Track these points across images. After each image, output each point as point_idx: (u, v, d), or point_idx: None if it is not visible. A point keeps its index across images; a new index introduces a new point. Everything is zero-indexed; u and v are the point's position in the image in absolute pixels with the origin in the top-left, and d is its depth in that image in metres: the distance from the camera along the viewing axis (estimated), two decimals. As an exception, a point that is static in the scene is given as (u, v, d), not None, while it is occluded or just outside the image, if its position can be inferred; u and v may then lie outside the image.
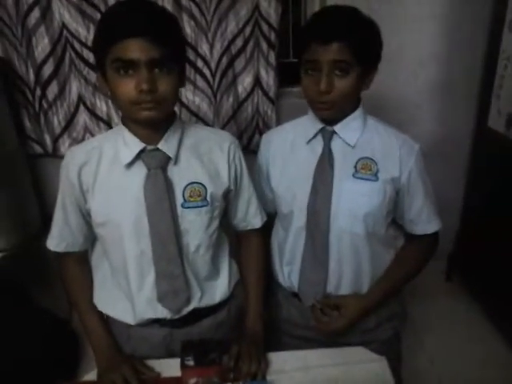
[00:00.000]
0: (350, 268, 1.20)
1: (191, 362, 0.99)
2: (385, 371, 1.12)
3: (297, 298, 1.27)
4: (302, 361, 1.14)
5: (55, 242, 1.15)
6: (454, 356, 1.94)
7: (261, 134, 2.08)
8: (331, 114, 1.12)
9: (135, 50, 0.91)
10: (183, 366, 0.99)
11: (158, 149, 1.05)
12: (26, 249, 1.96)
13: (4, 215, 1.90)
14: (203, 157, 1.11)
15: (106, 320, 1.19)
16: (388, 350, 1.22)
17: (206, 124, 2.05)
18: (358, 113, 1.16)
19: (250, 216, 1.22)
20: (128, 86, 0.94)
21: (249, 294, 1.23)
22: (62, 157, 1.12)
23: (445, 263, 2.38)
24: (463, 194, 2.33)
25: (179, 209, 1.07)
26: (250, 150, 2.09)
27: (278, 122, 2.07)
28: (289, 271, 1.26)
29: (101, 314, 1.19)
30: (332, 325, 1.21)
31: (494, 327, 2.05)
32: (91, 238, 1.18)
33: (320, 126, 1.17)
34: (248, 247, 1.27)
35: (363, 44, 1.04)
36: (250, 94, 2.03)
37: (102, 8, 1.85)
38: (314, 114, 1.17)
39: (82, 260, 1.20)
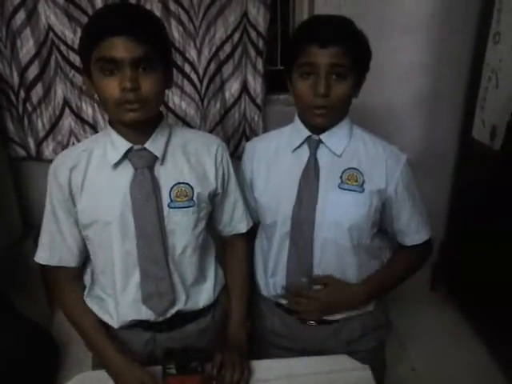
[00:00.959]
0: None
1: (173, 371, 0.97)
2: (368, 380, 1.11)
3: (281, 308, 1.26)
4: (285, 369, 1.13)
5: (47, 255, 1.10)
6: (436, 364, 1.94)
7: (247, 140, 2.07)
8: (325, 121, 1.11)
9: (118, 48, 0.92)
10: (165, 374, 0.97)
11: (145, 148, 1.05)
12: (6, 254, 1.92)
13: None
14: (191, 157, 1.11)
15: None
16: (373, 359, 1.22)
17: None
18: (344, 122, 1.16)
19: (235, 221, 1.22)
20: (112, 86, 0.94)
21: (232, 301, 1.22)
22: (45, 160, 1.11)
23: (429, 272, 2.39)
24: (448, 204, 2.35)
25: (166, 209, 1.07)
26: (236, 156, 2.08)
27: (265, 129, 2.07)
28: (273, 282, 1.25)
29: (108, 334, 1.11)
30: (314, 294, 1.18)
31: (478, 336, 2.06)
32: (84, 251, 1.14)
33: (306, 134, 1.16)
34: (233, 252, 1.26)
35: (359, 51, 1.05)
36: (237, 100, 2.02)
37: (89, 11, 1.84)
38: (302, 122, 1.17)
39: (78, 278, 1.16)
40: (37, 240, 1.12)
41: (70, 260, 1.12)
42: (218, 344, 1.15)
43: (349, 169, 1.14)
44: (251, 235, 1.29)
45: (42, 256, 1.11)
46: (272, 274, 1.25)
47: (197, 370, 0.99)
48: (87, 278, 1.17)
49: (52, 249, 1.10)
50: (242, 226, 1.23)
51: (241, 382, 1.05)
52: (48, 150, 2.06)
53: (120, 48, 0.91)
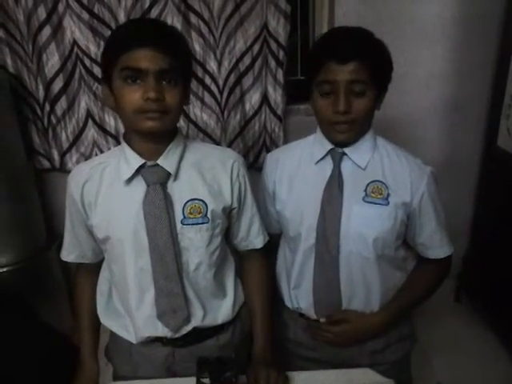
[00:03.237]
0: (360, 290, 1.18)
1: (207, 380, 0.96)
2: None
3: (303, 318, 1.25)
4: (308, 382, 1.11)
5: (65, 253, 1.17)
6: (462, 377, 1.90)
7: (268, 151, 2.07)
8: (347, 137, 1.10)
9: (145, 59, 0.93)
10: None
11: (157, 164, 1.05)
12: (32, 263, 1.96)
13: (11, 230, 1.91)
14: (205, 173, 1.10)
15: (101, 339, 1.22)
16: (397, 373, 1.19)
17: (213, 140, 2.05)
18: (368, 135, 1.15)
19: (251, 236, 1.20)
20: (135, 95, 0.95)
21: (255, 319, 1.20)
22: (68, 171, 1.13)
23: (454, 283, 2.34)
24: (472, 214, 2.31)
25: (179, 225, 1.06)
26: (256, 167, 2.08)
27: (286, 140, 2.06)
28: (296, 294, 1.24)
29: (97, 333, 1.22)
30: (335, 331, 1.19)
31: (503, 347, 2.01)
32: (100, 252, 1.17)
33: (329, 146, 1.15)
34: (250, 268, 1.24)
35: (379, 64, 1.04)
36: (257, 111, 2.03)
37: (113, 25, 1.88)
38: (324, 135, 1.16)
39: (93, 272, 1.20)
40: (60, 249, 1.20)
41: (85, 258, 1.18)
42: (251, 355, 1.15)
43: (373, 181, 1.13)
44: (268, 249, 1.27)
45: (63, 253, 1.18)
46: (295, 287, 1.24)
47: (231, 380, 0.97)
48: (104, 288, 1.19)
49: (70, 248, 1.16)
50: (258, 241, 1.20)
51: None
52: (71, 161, 2.10)
53: (147, 59, 0.93)
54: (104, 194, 1.07)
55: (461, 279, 2.33)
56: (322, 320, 1.21)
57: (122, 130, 2.03)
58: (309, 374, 1.14)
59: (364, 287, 1.18)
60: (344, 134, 1.09)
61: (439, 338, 2.06)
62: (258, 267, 1.23)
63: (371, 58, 1.02)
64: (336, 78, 1.02)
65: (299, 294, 1.23)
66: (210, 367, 0.97)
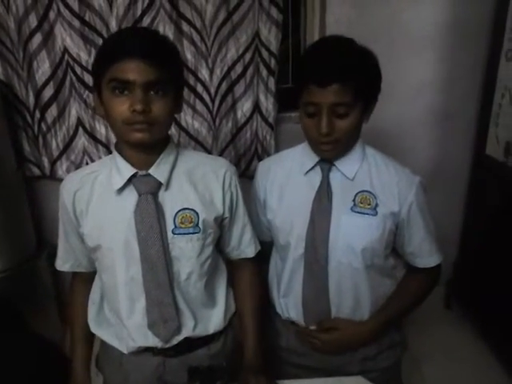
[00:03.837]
0: (350, 299, 1.18)
1: None
2: None
3: (295, 324, 1.25)
4: (302, 391, 1.11)
5: (60, 262, 1.17)
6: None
7: (259, 159, 2.08)
8: (333, 154, 1.12)
9: (132, 70, 0.92)
10: None
11: (149, 174, 1.05)
12: (21, 271, 1.94)
13: (0, 237, 1.88)
14: (197, 183, 1.09)
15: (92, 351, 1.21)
16: (388, 380, 1.20)
17: (205, 148, 2.05)
18: (357, 146, 1.15)
19: (243, 245, 1.19)
20: (122, 106, 0.95)
21: (246, 328, 1.19)
22: (59, 179, 1.13)
23: (444, 290, 2.35)
24: (462, 221, 2.32)
25: (170, 235, 1.05)
26: (247, 175, 2.08)
27: (277, 148, 2.07)
28: (286, 302, 1.24)
29: (90, 344, 1.22)
30: (324, 338, 1.19)
31: (494, 355, 2.01)
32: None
33: (317, 158, 1.16)
34: (241, 277, 1.23)
35: (363, 82, 1.02)
36: (249, 119, 2.03)
37: (104, 33, 1.87)
38: (312, 150, 1.16)
39: (89, 281, 1.20)
40: (50, 257, 1.20)
41: (79, 267, 1.17)
42: (241, 364, 1.15)
43: (361, 192, 1.13)
44: (260, 258, 1.27)
45: (58, 263, 1.17)
46: (284, 295, 1.24)
47: None
48: (96, 297, 1.18)
49: (64, 257, 1.16)
50: (249, 250, 1.20)
51: None
52: (62, 169, 2.08)
53: (134, 71, 0.92)
54: (95, 202, 1.07)
55: (451, 286, 2.34)
56: (312, 327, 1.21)
57: (112, 138, 2.03)
58: (303, 382, 1.14)
59: (353, 296, 1.18)
60: (329, 152, 1.10)
61: (429, 345, 2.07)
62: (249, 276, 1.23)
63: (354, 79, 1.00)
64: (318, 100, 1.02)
65: (289, 302, 1.24)
66: (200, 376, 0.97)
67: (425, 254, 1.19)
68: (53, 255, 1.21)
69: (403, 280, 1.26)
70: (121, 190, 1.05)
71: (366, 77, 1.04)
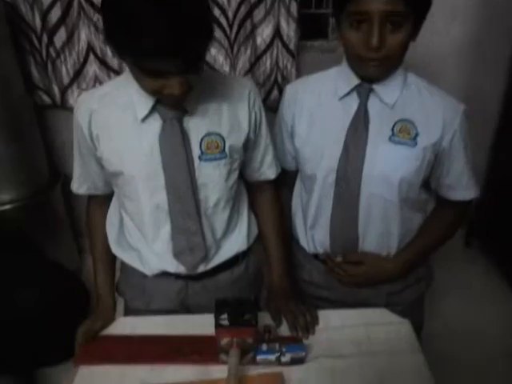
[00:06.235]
0: (379, 231, 1.14)
1: (225, 322, 0.93)
2: (409, 334, 1.08)
3: (318, 260, 1.23)
4: (323, 321, 1.10)
5: (76, 185, 1.14)
6: (469, 320, 1.92)
7: (279, 89, 2.00)
8: (379, 73, 1.02)
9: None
10: (217, 326, 0.93)
11: None
12: (35, 201, 1.93)
13: (13, 166, 1.87)
14: (222, 105, 1.03)
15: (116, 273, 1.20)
16: (411, 312, 1.18)
17: (222, 77, 1.96)
18: (399, 70, 1.06)
19: (264, 167, 1.15)
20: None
21: (270, 251, 1.19)
22: (71, 108, 1.06)
23: (464, 228, 2.34)
24: (488, 159, 2.25)
25: (196, 162, 1.01)
26: (267, 105, 1.99)
27: (298, 78, 1.96)
28: (312, 234, 1.21)
29: (112, 265, 1.20)
30: (350, 271, 1.17)
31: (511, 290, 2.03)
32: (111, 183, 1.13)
33: (356, 81, 1.06)
34: (262, 200, 1.21)
35: None
36: (269, 46, 1.92)
37: None
38: (352, 69, 1.07)
39: (105, 204, 1.17)
40: (64, 188, 1.16)
41: (96, 190, 1.14)
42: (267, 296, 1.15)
43: (401, 120, 1.06)
44: (283, 183, 1.24)
45: (74, 186, 1.14)
46: (311, 227, 1.20)
47: (251, 322, 0.94)
48: (115, 219, 1.16)
49: (80, 180, 1.13)
50: (270, 172, 1.16)
51: (309, 328, 1.05)
52: (73, 97, 2.02)
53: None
54: (114, 126, 1.00)
55: (472, 224, 2.32)
56: (339, 258, 1.18)
57: (125, 65, 1.93)
58: (324, 313, 1.12)
59: (383, 229, 1.14)
60: (375, 70, 1.00)
61: (448, 282, 2.06)
62: (269, 199, 1.21)
63: None
64: (370, 7, 0.91)
65: (315, 234, 1.20)
66: (228, 309, 0.94)
67: (462, 186, 1.13)
68: (67, 185, 1.20)
69: (433, 216, 1.21)
70: (144, 118, 0.99)
71: None
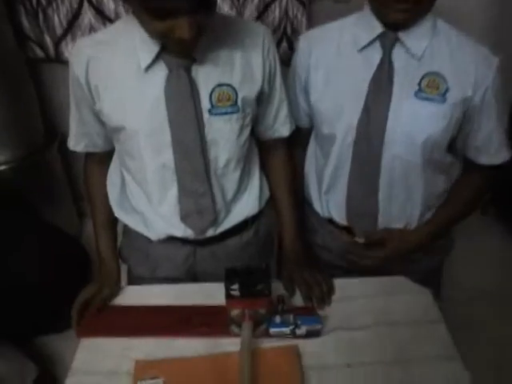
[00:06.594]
0: (400, 196, 1.07)
1: (237, 292, 0.87)
2: (429, 303, 1.03)
3: (332, 224, 1.16)
4: (340, 291, 1.04)
5: (73, 142, 1.06)
6: (484, 288, 1.89)
7: (289, 41, 1.87)
8: (408, 17, 0.91)
9: None
10: (228, 296, 0.87)
11: None
12: (31, 161, 1.85)
13: (6, 125, 1.77)
14: (234, 54, 0.94)
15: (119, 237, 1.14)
16: (429, 281, 1.12)
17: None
18: (428, 16, 0.95)
19: (278, 123, 1.07)
20: None
21: (281, 211, 1.14)
22: (66, 62, 0.97)
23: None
24: (508, 120, 2.14)
25: (206, 116, 0.93)
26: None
27: (309, 29, 1.83)
28: (327, 199, 1.14)
29: (114, 228, 1.13)
30: (370, 255, 1.12)
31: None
32: (111, 140, 1.05)
33: (380, 30, 0.96)
34: (274, 160, 1.14)
35: None
36: (278, -7, 1.78)
37: None
38: (375, 15, 0.96)
39: (105, 162, 1.10)
40: (61, 148, 1.07)
41: (95, 147, 1.06)
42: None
43: (429, 73, 0.96)
44: (296, 142, 1.16)
45: (71, 143, 1.06)
46: (326, 191, 1.13)
47: (264, 293, 0.88)
48: (116, 179, 1.08)
49: (78, 137, 1.04)
50: (285, 129, 1.08)
51: (325, 298, 1.00)
52: (67, 50, 1.88)
53: None
54: (114, 76, 0.91)
55: (490, 192, 2.24)
56: (361, 240, 1.11)
57: (122, 13, 1.80)
58: (340, 282, 1.06)
59: (404, 193, 1.07)
60: (403, 13, 0.89)
61: (464, 251, 2.01)
62: (282, 158, 1.14)
63: None
64: None
65: (330, 199, 1.13)
66: (239, 279, 0.87)
67: (491, 149, 1.04)
68: (64, 145, 1.10)
69: (458, 184, 1.13)
70: (148, 67, 0.89)
71: None
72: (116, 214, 1.09)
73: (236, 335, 0.90)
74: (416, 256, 1.15)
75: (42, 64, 1.99)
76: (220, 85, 0.92)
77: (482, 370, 0.95)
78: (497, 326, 1.75)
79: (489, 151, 1.04)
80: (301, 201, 1.22)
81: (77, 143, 1.05)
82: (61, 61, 1.91)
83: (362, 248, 1.13)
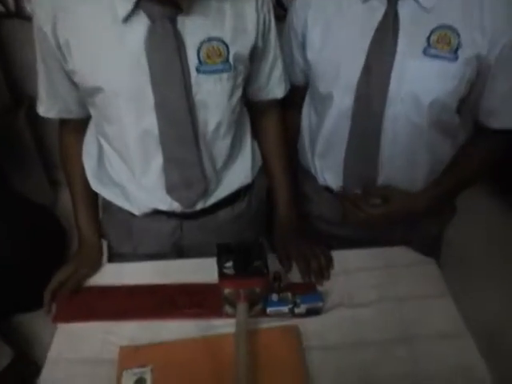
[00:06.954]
0: (404, 163, 0.99)
1: (231, 271, 0.79)
2: (436, 274, 0.98)
3: (329, 192, 1.08)
4: (340, 263, 0.98)
5: (43, 108, 0.94)
6: (482, 253, 1.88)
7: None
8: None
9: None
10: (221, 275, 0.80)
11: None
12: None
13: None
14: (224, 4, 0.84)
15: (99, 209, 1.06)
16: (430, 246, 1.09)
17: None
18: None
19: (272, 83, 0.99)
20: None
21: (275, 176, 1.08)
22: (28, 18, 0.82)
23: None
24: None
25: (193, 74, 0.84)
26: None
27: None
28: (322, 164, 1.06)
29: (94, 202, 1.05)
30: (366, 211, 1.02)
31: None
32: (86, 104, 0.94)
33: None
34: (267, 122, 1.07)
35: None
36: None
37: None
38: None
39: (82, 130, 1.00)
40: (29, 112, 0.95)
41: (69, 113, 0.95)
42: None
43: (440, 27, 0.86)
44: (291, 102, 1.07)
45: (40, 109, 0.94)
46: (322, 155, 1.05)
47: (261, 270, 0.80)
48: (92, 149, 0.99)
49: (49, 102, 0.93)
50: (279, 89, 1.01)
51: (323, 272, 0.95)
52: (30, 4, 1.71)
53: None
54: (88, 30, 0.80)
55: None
56: (358, 191, 1.03)
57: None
58: (340, 255, 1.00)
59: (408, 159, 0.99)
60: None
61: (461, 219, 2.00)
62: (275, 121, 1.07)
63: None
64: None
65: (325, 164, 1.05)
66: (233, 255, 0.80)
67: (506, 112, 0.95)
68: (32, 109, 0.99)
69: (466, 148, 1.05)
70: (126, 18, 0.78)
71: None
72: (93, 188, 1.00)
73: (230, 316, 0.83)
74: (416, 223, 1.08)
75: (3, 20, 1.81)
76: (210, 39, 0.83)
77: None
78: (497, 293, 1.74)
79: (502, 115, 0.95)
80: (294, 168, 1.14)
81: (48, 109, 0.93)
82: (23, 17, 1.73)
83: (361, 199, 1.04)
